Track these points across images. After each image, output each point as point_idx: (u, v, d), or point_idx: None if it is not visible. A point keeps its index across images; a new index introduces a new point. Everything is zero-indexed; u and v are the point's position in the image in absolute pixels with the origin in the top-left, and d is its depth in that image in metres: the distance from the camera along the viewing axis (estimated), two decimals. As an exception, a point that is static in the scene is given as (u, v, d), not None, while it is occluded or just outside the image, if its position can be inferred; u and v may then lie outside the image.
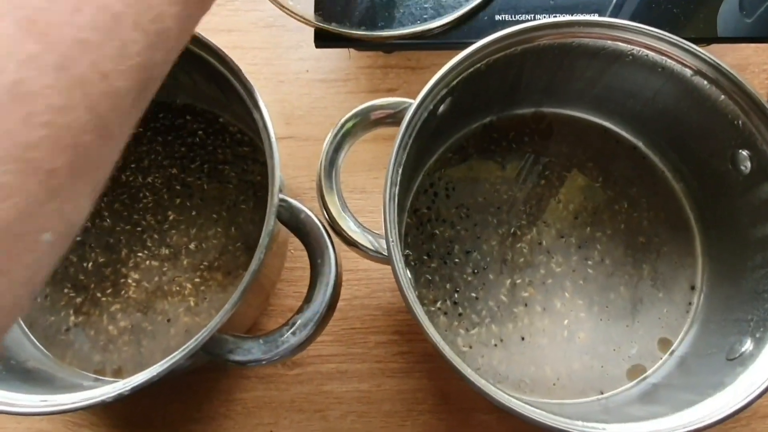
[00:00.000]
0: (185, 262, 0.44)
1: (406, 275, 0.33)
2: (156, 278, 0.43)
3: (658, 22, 0.40)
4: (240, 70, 0.36)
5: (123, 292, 0.43)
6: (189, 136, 0.46)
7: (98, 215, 0.45)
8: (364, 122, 0.36)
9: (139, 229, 0.44)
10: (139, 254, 0.44)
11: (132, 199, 0.45)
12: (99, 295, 0.43)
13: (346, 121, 0.36)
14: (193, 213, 0.45)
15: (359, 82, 0.51)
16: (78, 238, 0.44)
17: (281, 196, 0.35)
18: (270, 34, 0.52)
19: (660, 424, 0.30)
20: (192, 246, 0.44)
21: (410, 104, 0.35)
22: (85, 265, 0.44)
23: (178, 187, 0.45)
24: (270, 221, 0.33)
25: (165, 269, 0.44)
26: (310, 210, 0.35)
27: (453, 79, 0.36)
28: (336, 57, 0.52)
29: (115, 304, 0.43)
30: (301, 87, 0.51)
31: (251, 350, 0.33)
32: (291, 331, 0.33)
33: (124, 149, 0.46)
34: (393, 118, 0.36)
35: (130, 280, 0.43)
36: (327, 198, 0.35)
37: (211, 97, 0.45)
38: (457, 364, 0.30)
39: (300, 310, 0.34)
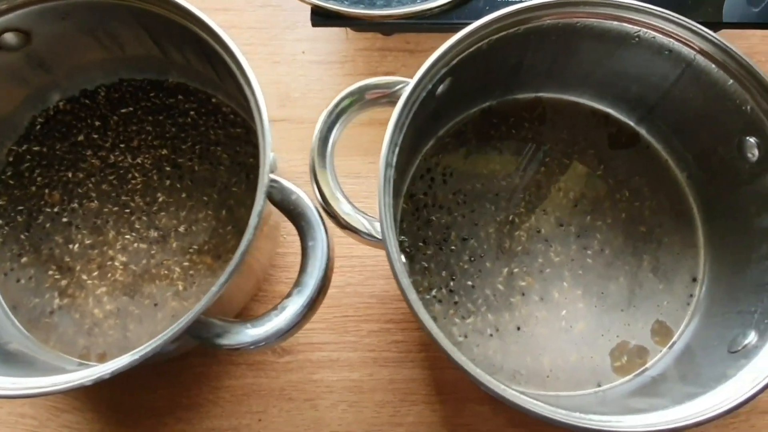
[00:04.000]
0: (174, 245, 0.42)
1: (400, 260, 0.31)
2: (144, 261, 0.42)
3: (665, 4, 0.39)
4: (233, 46, 0.34)
5: (109, 274, 0.42)
6: (181, 116, 0.45)
7: (86, 196, 0.43)
8: (359, 101, 0.35)
9: (127, 210, 0.43)
10: (127, 236, 0.43)
11: (120, 180, 0.44)
12: (85, 277, 0.42)
13: (341, 100, 0.34)
14: (183, 195, 0.43)
15: (356, 65, 0.50)
16: (64, 219, 0.43)
17: (272, 176, 0.34)
18: (266, 14, 0.51)
19: (660, 416, 0.29)
20: (181, 229, 0.43)
21: (407, 83, 0.34)
22: (71, 246, 0.42)
23: (168, 168, 0.44)
24: (260, 201, 0.32)
25: (153, 252, 0.42)
26: (303, 192, 0.34)
27: (453, 59, 0.35)
28: (333, 38, 0.50)
29: (101, 287, 0.42)
30: (297, 68, 0.50)
31: (239, 334, 0.32)
32: (280, 315, 0.32)
33: (114, 129, 0.45)
34: (389, 98, 0.35)
35: (117, 263, 0.42)
36: (320, 178, 0.33)
37: (205, 76, 0.44)
38: (452, 352, 0.29)
39: (289, 295, 0.33)
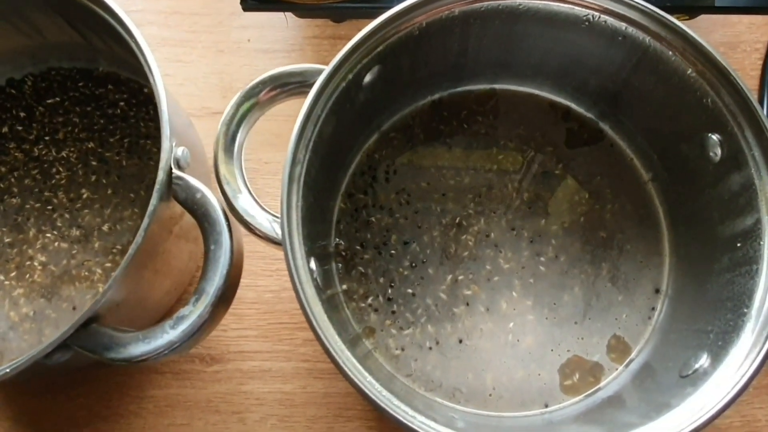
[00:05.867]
0: (97, 245, 0.40)
1: (305, 266, 0.28)
2: (64, 261, 0.40)
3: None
4: (132, 26, 0.31)
5: (27, 275, 0.39)
6: (110, 107, 0.42)
7: (7, 191, 0.41)
8: (272, 91, 0.31)
9: (49, 207, 0.41)
10: (48, 235, 0.40)
11: (44, 174, 0.41)
12: (2, 278, 0.39)
13: (252, 89, 0.31)
14: (109, 191, 0.41)
15: (305, 53, 0.47)
16: (-17, 216, 0.41)
17: (177, 173, 0.31)
18: (212, -1, 0.48)
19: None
20: (105, 227, 0.40)
21: (322, 72, 0.30)
22: (-12, 245, 0.40)
23: (94, 163, 0.41)
24: (153, 200, 0.29)
25: (74, 252, 0.40)
26: (210, 191, 0.31)
27: (377, 45, 0.32)
28: (281, 25, 0.47)
29: (18, 288, 0.39)
30: (242, 57, 0.47)
31: (128, 347, 0.29)
32: (175, 327, 0.29)
33: (39, 120, 0.43)
34: (308, 88, 0.32)
35: (36, 263, 0.40)
36: (224, 173, 0.30)
37: (134, 64, 0.41)
38: (350, 371, 0.26)
39: (187, 303, 0.30)
